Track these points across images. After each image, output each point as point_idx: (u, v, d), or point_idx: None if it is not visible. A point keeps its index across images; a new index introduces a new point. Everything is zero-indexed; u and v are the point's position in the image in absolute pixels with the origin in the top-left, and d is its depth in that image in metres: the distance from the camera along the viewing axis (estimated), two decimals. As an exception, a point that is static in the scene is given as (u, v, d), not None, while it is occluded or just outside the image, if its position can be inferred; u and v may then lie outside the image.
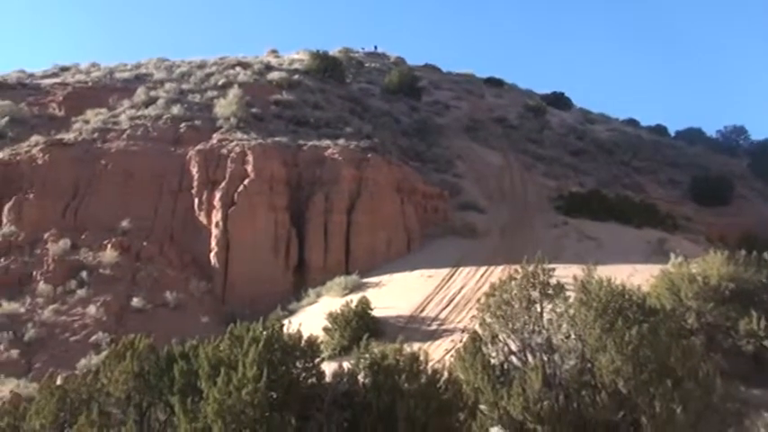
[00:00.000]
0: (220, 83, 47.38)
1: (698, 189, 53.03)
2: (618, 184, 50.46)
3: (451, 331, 24.70)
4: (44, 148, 37.26)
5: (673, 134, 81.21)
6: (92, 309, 29.01)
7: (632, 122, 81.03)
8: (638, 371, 13.03)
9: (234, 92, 43.88)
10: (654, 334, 13.55)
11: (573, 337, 14.08)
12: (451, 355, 16.53)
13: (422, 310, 27.62)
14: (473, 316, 19.32)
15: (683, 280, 18.69)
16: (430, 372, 13.28)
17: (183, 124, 40.33)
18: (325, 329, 24.91)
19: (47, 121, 42.21)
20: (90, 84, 48.02)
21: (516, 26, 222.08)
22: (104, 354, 17.99)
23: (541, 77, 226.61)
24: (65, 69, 53.97)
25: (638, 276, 23.39)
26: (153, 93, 44.98)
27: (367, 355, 13.42)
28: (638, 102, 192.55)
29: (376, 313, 26.25)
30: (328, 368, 13.56)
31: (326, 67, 57.46)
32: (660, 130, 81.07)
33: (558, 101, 78.22)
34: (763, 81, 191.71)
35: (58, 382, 14.58)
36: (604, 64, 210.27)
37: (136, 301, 29.92)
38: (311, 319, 26.52)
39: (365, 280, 31.90)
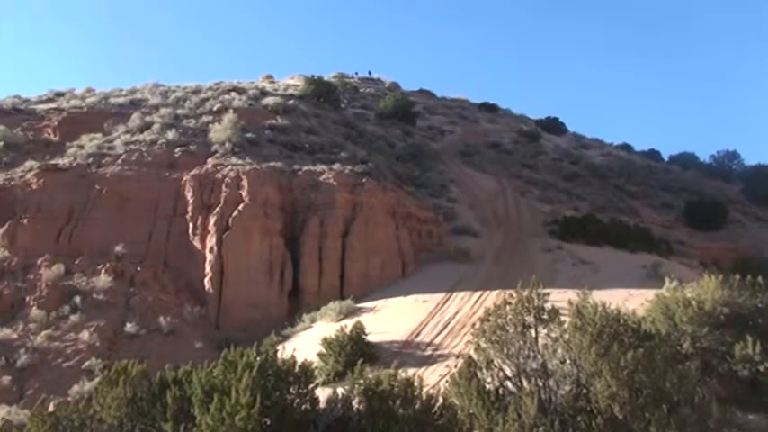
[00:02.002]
0: (215, 108, 47.54)
1: (692, 213, 53.15)
2: (612, 209, 50.52)
3: (446, 356, 24.56)
4: (38, 173, 37.29)
5: (666, 159, 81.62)
6: (85, 334, 28.82)
7: (626, 147, 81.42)
8: (634, 396, 12.97)
9: (229, 117, 43.97)
10: (649, 359, 13.51)
11: (568, 362, 14.02)
12: (446, 381, 16.44)
13: (416, 335, 27.50)
14: (468, 341, 19.26)
15: (678, 304, 18.63)
16: (425, 397, 13.20)
17: (177, 149, 40.38)
18: (320, 355, 24.79)
19: (42, 147, 42.34)
20: (85, 109, 48.22)
21: (510, 51, 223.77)
22: (97, 380, 17.87)
23: (535, 103, 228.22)
24: (60, 95, 54.21)
25: (632, 301, 23.38)
26: (148, 118, 45.12)
27: (361, 381, 13.34)
28: (631, 127, 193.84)
29: (370, 338, 26.13)
30: (322, 394, 13.48)
31: (321, 93, 57.81)
32: (654, 154, 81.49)
33: (552, 126, 78.70)
34: (756, 106, 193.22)
35: (50, 408, 14.44)
36: (598, 89, 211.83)
37: (129, 327, 29.74)
38: (305, 344, 26.39)
39: (360, 305, 31.79)
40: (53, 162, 39.04)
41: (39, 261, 33.06)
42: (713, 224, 52.23)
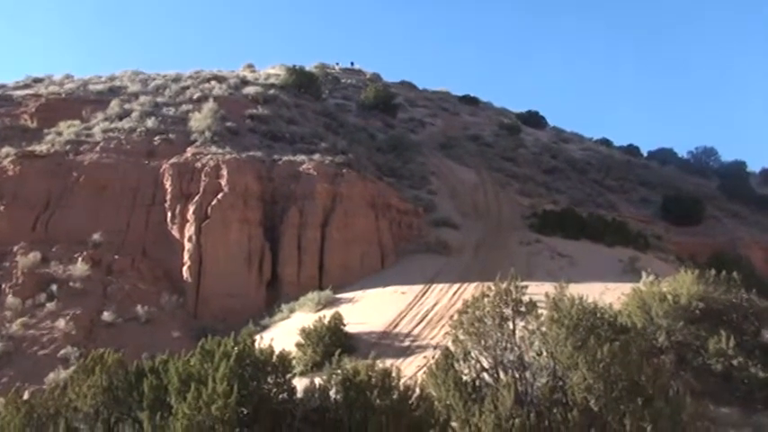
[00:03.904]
0: (195, 96, 47.23)
1: (669, 209, 53.59)
2: (591, 203, 50.81)
3: (424, 348, 24.67)
4: (15, 160, 36.91)
5: (645, 154, 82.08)
6: (61, 322, 28.63)
7: (605, 142, 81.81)
8: (609, 389, 13.09)
9: (209, 105, 43.72)
10: (625, 352, 13.62)
11: (545, 354, 14.12)
12: (424, 372, 16.50)
13: (395, 327, 27.57)
14: (446, 332, 19.33)
15: (654, 298, 18.82)
16: (402, 388, 13.23)
17: (157, 137, 40.12)
18: (298, 345, 24.78)
19: (19, 133, 41.81)
20: (63, 95, 47.66)
21: (492, 45, 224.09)
22: (73, 368, 17.78)
23: (516, 96, 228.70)
24: (38, 81, 53.59)
25: (609, 294, 23.58)
26: (127, 105, 44.77)
27: (339, 371, 13.35)
28: (611, 122, 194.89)
29: (349, 329, 26.16)
30: (300, 384, 13.48)
31: (302, 83, 57.54)
32: (632, 150, 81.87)
33: (533, 119, 78.94)
34: (734, 103, 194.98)
35: (25, 396, 14.35)
36: (579, 84, 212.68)
37: (106, 315, 29.57)
38: (284, 334, 26.37)
39: (339, 295, 31.79)
40: (30, 149, 38.64)
41: (15, 248, 32.77)
42: (690, 219, 52.72)
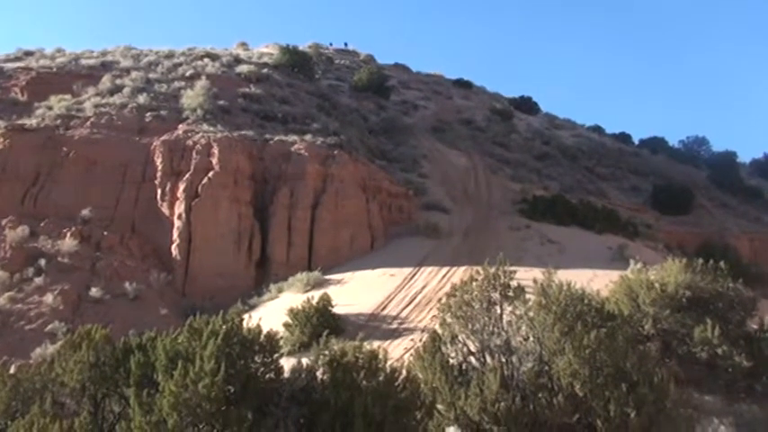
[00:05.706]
0: (188, 74, 46.99)
1: (659, 197, 53.80)
2: (581, 190, 50.93)
3: (412, 330, 24.75)
4: (5, 133, 36.70)
5: (636, 142, 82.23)
6: (49, 297, 28.57)
7: (597, 129, 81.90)
8: (595, 375, 13.15)
9: (201, 83, 43.55)
10: (611, 339, 13.69)
11: (531, 339, 14.16)
12: (411, 354, 16.55)
13: (383, 309, 27.65)
14: (434, 316, 19.40)
15: (642, 286, 18.85)
16: (388, 370, 13.25)
17: (148, 114, 39.92)
18: (286, 325, 24.83)
19: (9, 106, 41.54)
20: (54, 69, 47.32)
21: (486, 29, 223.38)
22: (60, 343, 17.74)
23: (509, 81, 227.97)
24: (29, 54, 53.03)
25: (597, 281, 23.64)
26: (119, 81, 44.49)
27: (326, 352, 13.37)
28: (603, 109, 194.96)
29: (337, 310, 26.22)
30: (287, 364, 13.49)
31: (296, 63, 57.29)
32: (624, 137, 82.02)
33: (526, 105, 78.90)
34: (726, 93, 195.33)
35: (12, 370, 14.31)
36: (572, 70, 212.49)
37: (94, 291, 29.52)
38: (272, 314, 26.40)
39: (327, 277, 31.85)
40: (20, 122, 38.41)
41: (3, 222, 32.67)
42: (680, 209, 52.95)
